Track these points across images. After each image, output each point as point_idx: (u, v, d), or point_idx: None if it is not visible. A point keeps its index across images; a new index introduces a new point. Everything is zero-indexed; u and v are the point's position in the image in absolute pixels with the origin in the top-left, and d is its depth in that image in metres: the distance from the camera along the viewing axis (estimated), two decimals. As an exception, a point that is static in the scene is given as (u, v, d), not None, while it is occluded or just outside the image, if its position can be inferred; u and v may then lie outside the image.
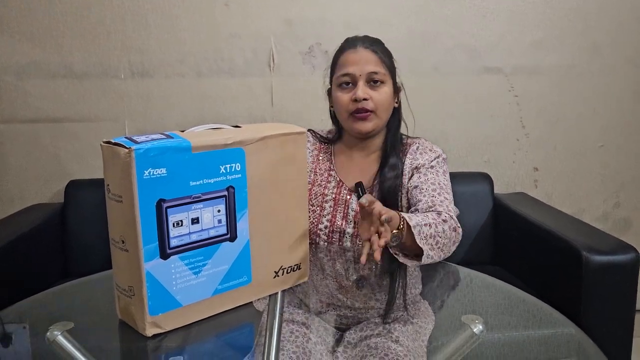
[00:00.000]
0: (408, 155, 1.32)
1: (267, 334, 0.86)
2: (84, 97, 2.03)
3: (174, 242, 0.80)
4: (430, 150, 1.33)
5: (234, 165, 0.86)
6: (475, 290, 1.16)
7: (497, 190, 2.04)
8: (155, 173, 0.76)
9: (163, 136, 0.80)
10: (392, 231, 1.03)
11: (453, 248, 1.15)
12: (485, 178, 2.03)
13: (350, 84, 1.28)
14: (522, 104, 2.13)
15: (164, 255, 0.79)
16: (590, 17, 2.08)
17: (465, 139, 2.14)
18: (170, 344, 0.83)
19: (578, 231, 1.57)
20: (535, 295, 1.54)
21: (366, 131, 1.30)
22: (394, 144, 1.34)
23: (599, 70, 2.12)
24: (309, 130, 1.43)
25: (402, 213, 1.09)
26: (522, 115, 2.14)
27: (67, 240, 1.93)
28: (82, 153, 2.06)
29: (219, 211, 0.85)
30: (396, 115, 1.36)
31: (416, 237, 1.05)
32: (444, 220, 1.13)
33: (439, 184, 1.25)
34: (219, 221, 0.86)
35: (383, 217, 0.92)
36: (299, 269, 1.01)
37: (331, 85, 1.36)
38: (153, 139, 0.78)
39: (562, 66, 2.11)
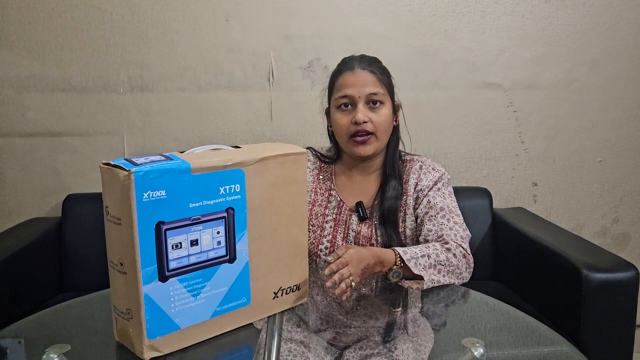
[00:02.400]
0: (411, 175, 1.32)
1: (266, 353, 0.85)
2: (83, 111, 2.02)
3: (172, 265, 0.79)
4: (434, 169, 1.32)
5: (233, 186, 0.85)
6: (474, 309, 1.15)
7: (496, 205, 2.04)
8: (154, 195, 0.75)
9: (162, 158, 0.80)
10: (387, 269, 1.09)
11: (466, 275, 1.16)
12: (484, 193, 2.02)
13: (350, 106, 1.28)
14: (520, 119, 2.13)
15: (163, 278, 0.78)
16: (589, 33, 2.09)
17: (464, 154, 2.15)
18: None
19: (577, 248, 1.56)
20: (534, 312, 1.56)
21: (367, 155, 1.29)
22: (393, 163, 1.33)
23: (598, 85, 2.13)
24: (308, 148, 1.43)
25: (397, 249, 1.11)
26: (521, 130, 2.14)
27: (64, 254, 1.92)
28: (80, 167, 2.05)
29: (218, 233, 0.84)
30: (395, 134, 1.35)
31: (412, 269, 1.08)
32: (448, 249, 1.14)
33: (447, 208, 1.25)
34: (218, 243, 0.85)
35: (325, 272, 0.99)
36: (299, 289, 1.00)
37: (329, 105, 1.36)
38: (152, 161, 0.77)
39: (561, 81, 2.12)
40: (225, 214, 0.85)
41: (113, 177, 0.76)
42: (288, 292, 0.98)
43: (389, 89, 1.31)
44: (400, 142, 1.39)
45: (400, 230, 1.28)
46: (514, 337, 1.02)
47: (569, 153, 2.17)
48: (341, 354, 0.94)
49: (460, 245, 1.16)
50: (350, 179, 1.39)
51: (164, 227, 0.77)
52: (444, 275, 1.13)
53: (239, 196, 0.86)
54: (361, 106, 1.25)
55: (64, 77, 2.00)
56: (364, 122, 1.24)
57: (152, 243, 0.76)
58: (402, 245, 1.25)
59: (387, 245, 1.24)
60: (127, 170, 0.73)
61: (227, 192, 0.85)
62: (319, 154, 1.43)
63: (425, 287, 1.10)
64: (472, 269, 1.18)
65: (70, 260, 1.92)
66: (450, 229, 1.21)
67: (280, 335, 0.91)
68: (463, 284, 1.22)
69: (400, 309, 1.11)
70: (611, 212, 2.22)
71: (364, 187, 1.37)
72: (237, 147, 0.94)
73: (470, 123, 2.13)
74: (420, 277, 1.12)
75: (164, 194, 0.76)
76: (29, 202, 2.06)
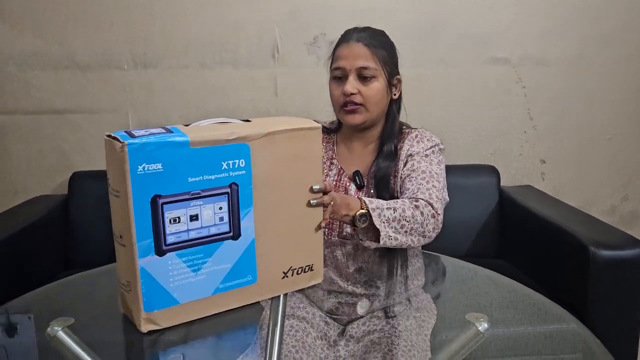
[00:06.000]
0: (406, 142, 1.35)
1: (269, 333, 0.85)
2: (87, 89, 2.01)
3: (170, 239, 0.79)
4: (428, 139, 1.35)
5: (237, 161, 0.83)
6: (479, 285, 1.15)
7: (503, 183, 2.02)
8: (150, 168, 0.75)
9: (163, 130, 0.79)
10: (353, 214, 1.12)
11: (431, 234, 1.17)
12: (492, 171, 2.01)
13: (343, 78, 1.31)
14: (529, 95, 2.10)
15: (160, 252, 0.78)
16: (600, 7, 2.04)
17: (472, 131, 2.12)
18: (172, 338, 0.82)
19: (585, 225, 1.55)
20: (540, 290, 1.55)
21: (355, 124, 1.33)
22: (390, 134, 1.36)
23: (608, 60, 2.09)
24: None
25: (363, 197, 1.15)
26: (530, 107, 2.11)
27: (70, 232, 1.93)
28: (85, 144, 2.05)
29: (220, 208, 0.83)
30: (393, 106, 1.37)
31: (374, 219, 1.10)
32: (416, 207, 1.16)
33: (429, 172, 1.27)
34: (221, 219, 0.84)
35: (312, 202, 0.96)
36: (311, 270, 0.97)
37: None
38: (152, 133, 0.77)
39: (571, 56, 2.08)
40: (228, 190, 0.84)
41: (112, 149, 0.75)
42: (299, 272, 0.95)
43: (386, 63, 1.32)
44: (405, 113, 1.42)
45: (395, 196, 1.30)
46: (520, 313, 1.02)
47: (578, 130, 2.14)
48: (344, 330, 0.94)
49: (430, 204, 1.18)
50: (350, 149, 1.43)
51: (161, 201, 0.77)
52: (405, 233, 1.14)
53: (243, 172, 0.84)
54: (351, 78, 1.28)
55: (68, 54, 1.98)
56: (352, 93, 1.27)
57: (148, 216, 0.76)
58: None
59: None
60: (122, 142, 0.73)
61: (231, 167, 0.83)
62: (322, 124, 1.48)
63: (381, 243, 1.12)
64: (439, 230, 1.20)
65: (76, 237, 1.92)
66: (428, 190, 1.23)
67: (284, 315, 0.90)
68: (470, 260, 1.22)
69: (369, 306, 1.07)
70: (620, 189, 2.20)
71: (362, 157, 1.40)
72: (247, 120, 0.91)
73: (478, 99, 2.09)
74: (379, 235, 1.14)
75: (160, 167, 0.76)
76: (35, 180, 2.06)
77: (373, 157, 1.38)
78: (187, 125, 0.85)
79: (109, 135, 0.77)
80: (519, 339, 0.91)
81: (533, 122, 2.12)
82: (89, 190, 1.94)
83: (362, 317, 1.01)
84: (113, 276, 0.88)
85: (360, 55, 1.29)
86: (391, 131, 1.37)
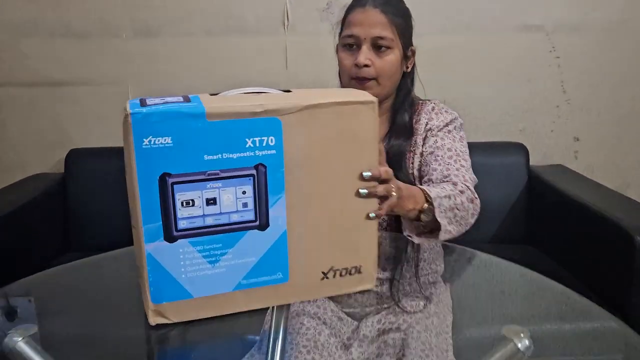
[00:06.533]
0: (422, 115, 1.25)
1: (272, 331, 0.80)
2: (84, 59, 1.93)
3: (182, 224, 0.70)
4: (446, 112, 1.25)
5: (265, 139, 0.71)
6: (504, 280, 1.10)
7: (532, 162, 1.94)
8: (157, 142, 0.66)
9: (181, 99, 0.70)
10: (420, 207, 0.97)
11: (472, 220, 1.07)
12: (520, 149, 1.93)
13: (355, 46, 1.19)
14: (563, 66, 1.98)
15: (170, 238, 0.70)
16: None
17: (499, 106, 2.02)
18: (173, 333, 0.80)
19: (625, 209, 1.47)
20: (572, 281, 1.51)
21: None
22: (402, 106, 1.26)
23: (654, 27, 1.95)
24: None
25: (422, 186, 1.02)
26: (563, 79, 1.99)
27: (68, 212, 1.87)
28: (84, 119, 1.97)
29: (244, 193, 0.72)
30: (407, 78, 1.27)
31: (436, 210, 0.97)
32: (461, 192, 1.05)
33: (455, 150, 1.17)
34: (244, 205, 0.73)
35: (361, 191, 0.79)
36: (359, 272, 0.82)
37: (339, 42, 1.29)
38: (166, 102, 0.68)
39: (611, 22, 1.95)
40: (253, 172, 0.72)
41: (123, 118, 0.68)
42: (343, 274, 0.82)
43: (402, 33, 1.21)
44: (421, 87, 1.31)
45: (410, 172, 1.22)
46: (547, 310, 0.96)
47: (615, 104, 2.03)
48: (358, 326, 0.93)
49: (468, 187, 1.10)
50: None
51: (170, 180, 0.68)
52: (457, 223, 1.04)
53: (273, 151, 0.72)
54: (365, 48, 1.17)
55: (63, 21, 1.90)
56: (365, 65, 1.17)
57: (155, 197, 0.68)
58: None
59: None
60: (127, 112, 0.65)
61: (257, 145, 0.71)
62: None
63: (440, 239, 1.01)
64: (477, 215, 1.11)
65: (75, 218, 1.87)
66: (457, 170, 1.14)
67: (285, 330, 0.82)
68: (496, 245, 1.13)
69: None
70: (661, 169, 2.08)
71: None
72: (287, 91, 0.79)
73: (507, 70, 1.99)
74: (431, 228, 1.02)
75: (169, 141, 0.67)
76: (32, 157, 2.00)
77: (385, 129, 1.28)
78: (214, 95, 0.74)
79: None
80: (552, 338, 0.87)
81: (566, 95, 2.01)
82: (87, 169, 1.88)
83: (377, 313, 0.97)
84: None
85: (376, 23, 1.17)
86: (404, 103, 1.26)
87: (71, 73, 1.93)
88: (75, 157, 1.89)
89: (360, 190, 0.77)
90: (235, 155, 0.70)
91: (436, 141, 1.20)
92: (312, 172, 0.76)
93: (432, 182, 1.13)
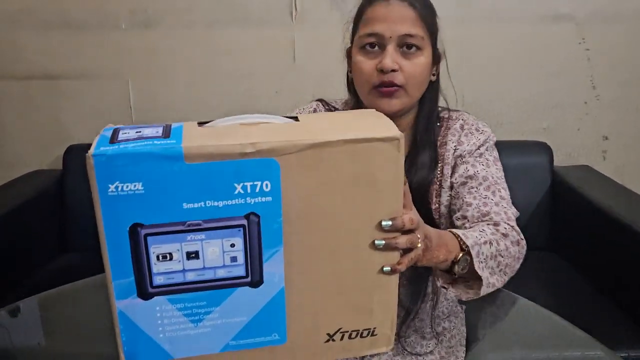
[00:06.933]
0: (449, 137, 1.06)
1: None
2: (81, 51, 1.85)
3: (158, 280, 0.63)
4: (477, 130, 1.06)
5: (259, 183, 0.61)
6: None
7: (556, 162, 1.86)
8: (125, 189, 0.59)
9: (160, 133, 0.61)
10: (453, 257, 0.81)
11: (517, 266, 0.92)
12: (543, 148, 1.84)
13: (377, 47, 0.99)
14: (594, 59, 1.86)
15: (144, 295, 0.63)
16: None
17: (521, 101, 1.92)
18: None
19: None
20: (595, 293, 1.51)
21: (392, 111, 1.00)
22: (427, 124, 1.06)
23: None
24: (319, 100, 1.18)
25: (455, 230, 0.85)
26: (593, 73, 1.88)
27: (65, 211, 1.83)
28: (82, 115, 1.91)
29: (232, 246, 0.63)
30: (432, 89, 1.07)
31: (474, 260, 0.82)
32: (504, 235, 0.89)
33: (491, 178, 0.99)
34: (233, 259, 0.64)
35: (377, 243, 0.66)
36: (373, 334, 0.73)
37: (352, 44, 1.07)
38: (140, 137, 0.59)
39: None
40: (244, 222, 0.63)
41: None
42: (354, 336, 0.72)
43: (432, 31, 1.02)
44: (442, 99, 1.11)
45: (433, 207, 1.04)
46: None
47: None
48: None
49: (513, 227, 0.93)
50: None
51: (143, 232, 0.61)
52: (500, 272, 0.89)
53: (268, 198, 0.62)
54: (391, 49, 0.96)
55: (59, 11, 1.82)
56: (393, 70, 0.96)
57: (126, 250, 0.61)
58: (436, 226, 1.01)
59: None
60: (89, 152, 0.57)
61: (249, 191, 0.62)
62: (332, 108, 1.17)
63: (481, 294, 0.85)
64: (523, 259, 0.95)
65: (73, 217, 1.82)
66: (497, 204, 0.95)
67: None
68: None
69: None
70: (696, 172, 1.98)
71: None
72: (294, 118, 0.67)
73: (531, 63, 1.88)
74: (468, 278, 0.87)
75: (140, 187, 0.59)
76: (29, 153, 1.95)
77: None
78: (202, 124, 0.64)
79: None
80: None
81: (596, 91, 1.90)
82: (85, 166, 1.80)
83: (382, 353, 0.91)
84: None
85: (404, 18, 0.97)
86: (429, 119, 1.07)
87: (68, 66, 1.87)
88: (74, 153, 1.84)
89: (377, 242, 0.65)
90: (221, 203, 0.61)
91: (467, 169, 1.02)
92: (317, 223, 0.65)
93: (468, 221, 0.97)
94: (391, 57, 0.95)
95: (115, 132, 0.60)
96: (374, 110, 0.72)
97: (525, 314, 1.06)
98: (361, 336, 0.71)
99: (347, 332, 0.70)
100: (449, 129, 1.06)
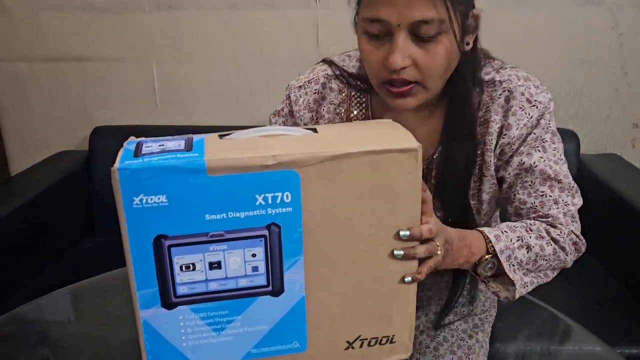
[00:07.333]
0: (492, 114, 0.85)
1: None
2: (106, 34, 1.85)
3: (182, 290, 0.65)
4: (529, 102, 0.84)
5: (280, 195, 0.63)
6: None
7: (583, 150, 1.79)
8: (150, 201, 0.60)
9: (182, 145, 0.62)
10: (477, 259, 0.78)
11: (570, 264, 0.86)
12: (570, 136, 1.77)
13: (382, 36, 0.78)
14: (627, 44, 1.79)
15: (168, 305, 0.65)
16: None
17: (549, 88, 1.79)
18: None
19: None
20: (622, 292, 1.47)
21: (407, 109, 0.83)
22: (464, 109, 0.86)
23: None
24: (326, 62, 1.00)
25: (484, 230, 0.79)
26: (626, 59, 1.80)
27: (92, 193, 1.86)
28: (108, 97, 1.92)
29: (254, 256, 0.65)
30: (468, 62, 0.85)
31: (504, 264, 0.77)
32: (556, 241, 0.82)
33: (550, 169, 0.84)
34: (255, 269, 0.66)
35: (395, 253, 0.66)
36: (391, 342, 0.74)
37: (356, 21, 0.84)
38: (163, 150, 0.61)
39: None
40: (265, 232, 0.64)
41: None
42: (372, 343, 0.73)
43: (459, 2, 0.77)
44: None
45: (471, 192, 0.91)
46: None
47: None
48: None
49: (572, 231, 0.84)
50: (396, 117, 0.80)
51: (167, 243, 0.62)
52: (543, 274, 0.84)
53: (289, 209, 0.63)
54: (401, 40, 0.75)
55: None
56: (403, 68, 0.76)
57: (150, 260, 0.62)
58: (473, 221, 0.91)
59: (447, 222, 0.82)
60: (115, 166, 0.59)
61: (270, 202, 0.63)
62: (347, 78, 0.96)
63: (517, 295, 0.81)
64: (580, 254, 0.88)
65: (100, 198, 1.84)
66: (556, 202, 0.84)
67: None
68: None
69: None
70: None
71: (417, 129, 0.85)
72: (312, 129, 0.67)
73: (560, 49, 1.81)
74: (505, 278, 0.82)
75: (164, 199, 0.60)
76: (56, 135, 1.98)
77: (436, 127, 0.90)
78: (223, 136, 0.65)
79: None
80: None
81: (628, 78, 1.83)
82: (112, 147, 1.79)
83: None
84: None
85: (415, 1, 0.73)
86: (466, 96, 0.86)
87: (94, 48, 1.87)
88: (99, 135, 1.86)
89: (395, 252, 0.66)
90: (243, 214, 0.62)
91: (522, 161, 0.85)
92: (337, 232, 0.66)
93: (522, 218, 0.87)
94: (401, 52, 0.75)
95: (139, 145, 0.61)
96: (391, 120, 0.72)
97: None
98: (380, 343, 0.72)
99: (367, 339, 0.72)
100: (493, 102, 0.86)
